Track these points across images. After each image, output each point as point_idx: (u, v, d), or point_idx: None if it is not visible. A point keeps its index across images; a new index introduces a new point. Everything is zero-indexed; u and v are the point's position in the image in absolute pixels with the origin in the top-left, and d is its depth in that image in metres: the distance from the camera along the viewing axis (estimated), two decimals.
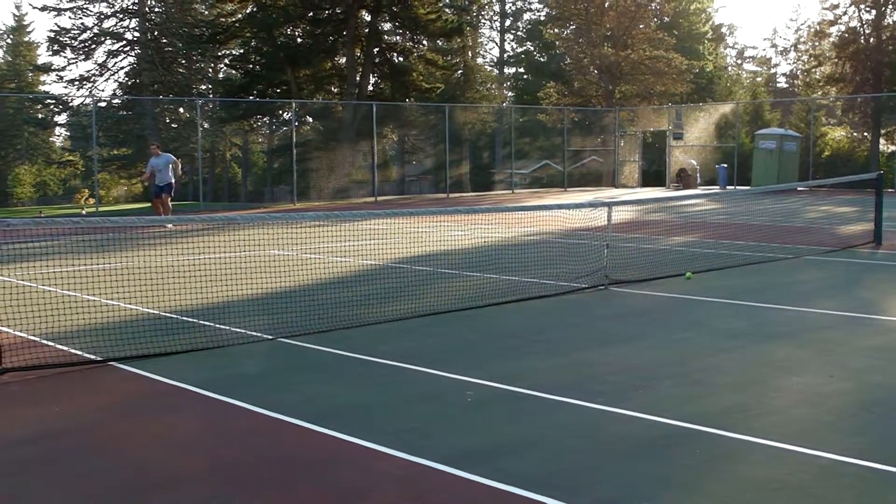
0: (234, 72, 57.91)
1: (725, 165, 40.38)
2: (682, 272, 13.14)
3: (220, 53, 54.79)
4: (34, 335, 8.74)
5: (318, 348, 8.54)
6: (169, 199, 24.16)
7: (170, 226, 21.37)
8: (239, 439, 5.97)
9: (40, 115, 66.28)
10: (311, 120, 52.45)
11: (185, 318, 9.86)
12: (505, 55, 76.14)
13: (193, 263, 14.09)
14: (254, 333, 9.07)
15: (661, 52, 52.04)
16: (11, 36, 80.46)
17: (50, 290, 11.66)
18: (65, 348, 8.44)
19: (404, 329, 9.53)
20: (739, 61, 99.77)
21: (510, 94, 75.46)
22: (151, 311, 10.30)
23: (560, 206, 15.17)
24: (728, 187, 39.51)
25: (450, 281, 12.84)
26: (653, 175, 47.30)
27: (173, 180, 24.22)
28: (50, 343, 8.63)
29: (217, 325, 9.39)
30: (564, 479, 5.10)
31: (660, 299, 11.34)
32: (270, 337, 8.97)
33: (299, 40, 46.66)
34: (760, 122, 56.06)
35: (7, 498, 4.98)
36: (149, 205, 48.64)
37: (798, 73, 70.99)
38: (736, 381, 7.22)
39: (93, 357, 8.11)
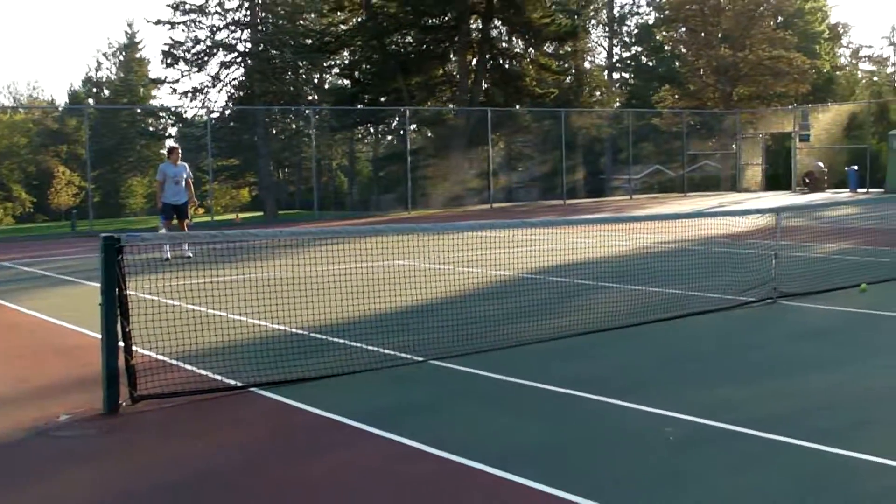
0: (341, 81, 57.84)
1: (857, 167, 38.42)
2: (853, 283, 11.88)
3: (327, 63, 54.67)
4: (163, 355, 8.00)
5: (477, 372, 7.63)
6: (186, 223, 18.35)
7: (189, 253, 17.46)
8: (416, 490, 5.06)
9: (151, 129, 67.49)
10: (415, 127, 51.92)
11: (322, 337, 9.06)
12: (613, 59, 74.67)
13: (315, 275, 13.33)
14: (403, 355, 8.20)
15: (781, 51, 50.07)
16: (124, 52, 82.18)
17: (174, 304, 11.00)
18: (203, 372, 7.70)
19: (567, 349, 8.56)
20: (854, 61, 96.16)
21: (618, 99, 73.89)
22: (281, 327, 9.52)
23: (726, 213, 14.00)
24: (859, 190, 37.54)
25: (596, 294, 11.80)
26: (771, 179, 45.34)
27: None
28: (183, 365, 7.91)
29: (365, 346, 8.56)
30: None
31: (840, 315, 10.15)
32: (420, 359, 8.09)
33: (410, 47, 46.14)
34: (887, 123, 53.48)
35: None
36: (260, 214, 48.74)
37: None
38: None
39: (232, 382, 7.36)
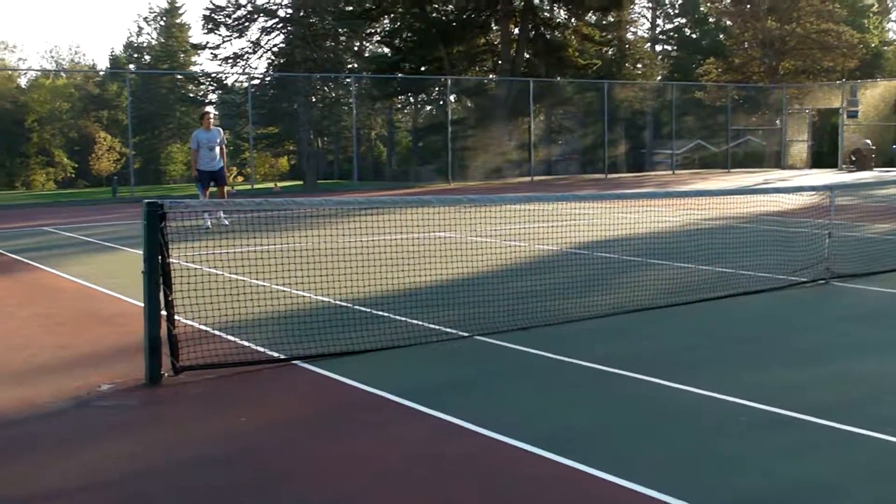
0: (382, 49, 57.44)
1: None
2: None
3: (367, 31, 54.28)
4: (206, 325, 7.88)
5: (522, 349, 7.46)
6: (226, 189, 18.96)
7: (226, 221, 17.54)
8: (460, 468, 4.93)
9: (191, 95, 67.56)
10: (456, 97, 51.51)
11: (366, 310, 8.93)
12: (656, 31, 73.70)
13: (358, 246, 13.21)
14: (448, 330, 8.05)
15: (829, 24, 49.13)
16: (165, 17, 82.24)
17: (217, 273, 10.91)
18: (246, 343, 7.60)
19: (613, 328, 8.36)
20: None
21: (661, 72, 72.91)
22: (325, 298, 9.38)
23: (778, 190, 13.68)
24: None
25: (644, 270, 11.59)
26: (815, 156, 44.57)
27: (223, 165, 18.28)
28: (226, 336, 7.81)
29: (409, 320, 8.41)
30: None
31: None
32: (466, 334, 7.93)
33: (452, 16, 45.71)
34: None
35: None
36: (300, 183, 48.67)
37: None
38: None
39: (275, 355, 7.24)
